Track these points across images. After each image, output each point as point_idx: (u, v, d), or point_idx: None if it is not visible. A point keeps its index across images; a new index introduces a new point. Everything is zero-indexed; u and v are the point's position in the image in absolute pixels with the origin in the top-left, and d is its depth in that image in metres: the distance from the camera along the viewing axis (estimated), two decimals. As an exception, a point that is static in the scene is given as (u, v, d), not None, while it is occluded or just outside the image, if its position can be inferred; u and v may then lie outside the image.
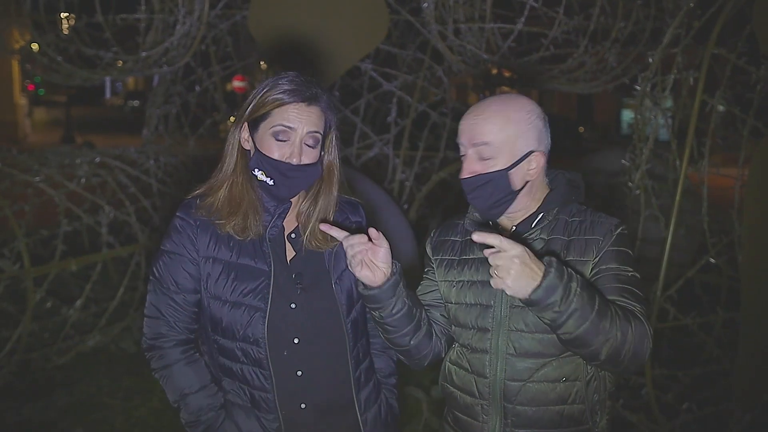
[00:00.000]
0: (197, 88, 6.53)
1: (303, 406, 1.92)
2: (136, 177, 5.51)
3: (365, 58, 5.78)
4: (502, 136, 1.78)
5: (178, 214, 1.93)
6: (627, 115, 25.87)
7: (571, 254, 1.78)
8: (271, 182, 1.85)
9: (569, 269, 1.61)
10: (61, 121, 22.96)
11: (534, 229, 1.83)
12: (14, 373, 4.45)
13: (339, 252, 1.94)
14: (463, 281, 1.90)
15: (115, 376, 4.68)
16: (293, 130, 1.82)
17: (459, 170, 1.86)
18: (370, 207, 4.03)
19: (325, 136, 1.90)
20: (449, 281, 1.93)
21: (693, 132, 3.66)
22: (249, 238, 1.88)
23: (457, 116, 6.41)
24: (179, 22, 4.92)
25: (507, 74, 5.44)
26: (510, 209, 1.85)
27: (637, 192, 3.99)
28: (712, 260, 3.90)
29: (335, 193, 1.97)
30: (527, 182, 1.83)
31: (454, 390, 1.96)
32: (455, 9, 4.81)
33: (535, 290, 1.56)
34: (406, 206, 5.87)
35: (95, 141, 16.20)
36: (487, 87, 6.19)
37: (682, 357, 4.33)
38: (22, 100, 21.06)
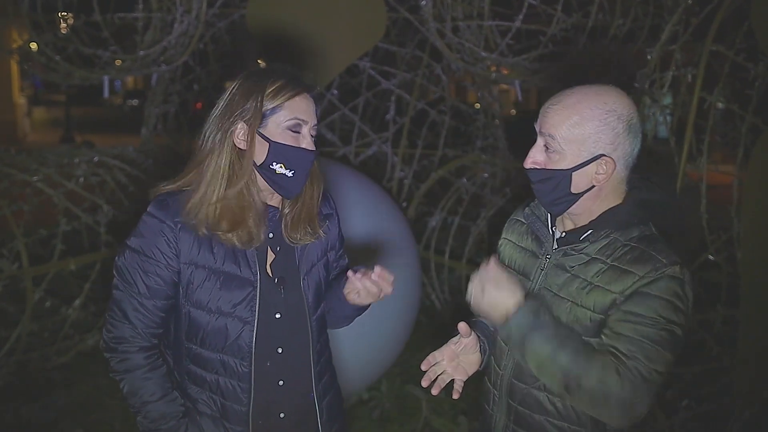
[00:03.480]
0: (195, 87, 6.52)
1: (282, 415, 1.91)
2: (135, 176, 5.50)
3: (364, 56, 5.77)
4: (570, 134, 1.66)
5: (153, 212, 1.82)
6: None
7: (602, 281, 1.67)
8: (291, 174, 1.81)
9: (542, 309, 1.66)
10: (60, 121, 22.92)
11: (581, 243, 1.73)
12: (13, 373, 4.45)
13: (308, 250, 1.94)
14: (511, 267, 1.89)
15: (115, 376, 4.67)
16: (306, 123, 1.82)
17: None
18: (367, 205, 4.03)
19: None
20: (503, 262, 1.91)
21: (691, 129, 3.66)
22: (253, 248, 1.83)
23: (456, 114, 6.42)
24: (177, 21, 4.90)
25: (505, 72, 5.43)
26: (572, 209, 1.74)
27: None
28: (711, 257, 3.89)
29: (320, 183, 1.97)
30: (593, 186, 1.70)
31: (485, 373, 1.97)
32: (453, 7, 4.80)
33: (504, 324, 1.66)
34: (404, 204, 5.87)
35: (95, 140, 16.17)
36: (485, 86, 6.18)
37: (681, 354, 4.31)
38: (21, 100, 21.04)
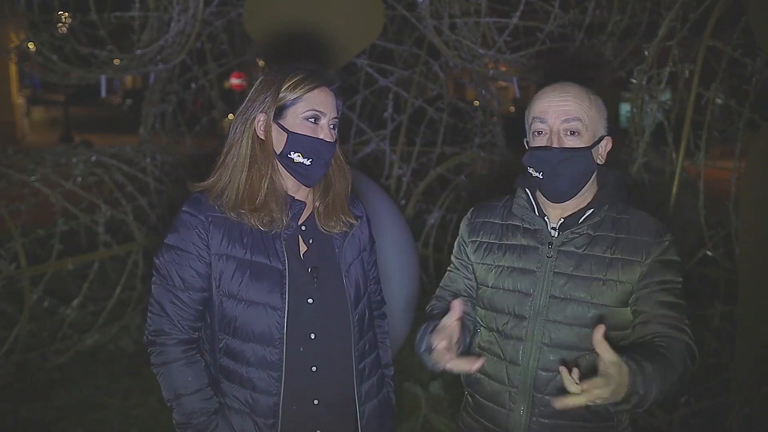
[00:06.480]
0: (193, 86, 6.51)
1: (316, 402, 1.93)
2: (133, 175, 5.49)
3: (361, 54, 5.76)
4: (590, 115, 1.82)
5: (186, 209, 1.91)
6: (625, 108, 25.83)
7: (618, 252, 1.82)
8: (309, 162, 1.88)
9: (639, 363, 1.56)
10: (59, 121, 22.92)
11: (581, 225, 1.86)
12: (12, 373, 4.45)
13: (347, 245, 1.99)
14: (503, 266, 1.92)
15: (114, 376, 4.68)
16: (324, 115, 1.89)
17: (532, 150, 1.87)
18: (365, 203, 4.02)
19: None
20: (488, 264, 1.95)
21: (689, 125, 3.66)
22: (273, 232, 1.88)
23: (454, 111, 6.42)
24: (174, 20, 4.90)
25: (503, 69, 5.42)
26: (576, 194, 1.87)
27: (634, 186, 3.99)
28: (710, 253, 3.89)
29: (347, 172, 2.03)
30: (595, 168, 1.87)
31: (482, 376, 1.96)
32: (451, 4, 4.79)
33: (620, 403, 1.57)
34: (403, 202, 5.87)
35: (94, 140, 16.17)
36: (483, 83, 6.17)
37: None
38: (19, 100, 21.02)
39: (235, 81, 18.94)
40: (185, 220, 1.89)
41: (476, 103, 6.78)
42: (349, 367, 1.97)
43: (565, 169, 1.82)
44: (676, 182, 3.72)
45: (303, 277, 1.91)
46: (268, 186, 1.88)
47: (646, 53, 3.97)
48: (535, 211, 1.93)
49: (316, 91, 1.88)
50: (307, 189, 1.99)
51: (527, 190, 1.96)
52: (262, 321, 1.86)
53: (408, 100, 6.04)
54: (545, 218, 1.91)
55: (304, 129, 1.88)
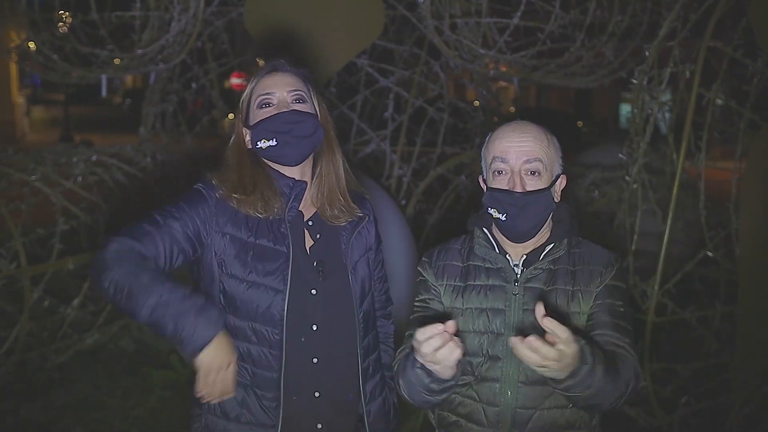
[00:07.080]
0: (194, 85, 6.51)
1: (317, 395, 1.93)
2: (134, 175, 5.49)
3: (362, 54, 5.76)
4: (548, 155, 1.84)
5: (200, 185, 1.95)
6: (626, 108, 25.83)
7: (578, 283, 1.85)
8: (274, 142, 1.90)
9: (593, 351, 1.59)
10: (59, 120, 22.90)
11: (543, 260, 1.86)
12: (12, 372, 4.44)
13: (353, 242, 2.01)
14: (471, 308, 1.89)
15: (114, 375, 4.67)
16: (272, 94, 1.93)
17: (492, 191, 1.86)
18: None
19: (310, 97, 1.99)
20: (456, 308, 1.91)
21: (690, 125, 3.66)
22: (273, 216, 1.90)
23: (455, 111, 6.42)
24: (174, 20, 4.90)
25: (504, 69, 5.42)
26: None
27: (635, 186, 3.99)
28: (710, 254, 3.89)
29: (338, 155, 2.04)
30: (554, 207, 1.88)
31: (459, 419, 1.92)
32: (452, 4, 4.80)
33: (566, 379, 1.57)
34: (403, 202, 5.86)
35: (94, 139, 16.14)
36: (483, 83, 6.18)
37: (680, 351, 4.33)
38: (19, 99, 21.01)
39: (235, 81, 18.91)
40: (199, 191, 1.94)
41: (476, 103, 6.78)
42: (353, 364, 1.98)
43: (528, 211, 1.82)
44: (676, 183, 3.72)
45: (307, 267, 1.92)
46: (254, 176, 1.93)
47: (646, 54, 3.97)
48: (495, 250, 1.90)
49: (262, 80, 1.96)
50: (306, 169, 2.00)
51: (484, 229, 1.94)
52: (264, 301, 1.87)
53: (408, 100, 6.04)
54: (506, 256, 1.90)
55: (258, 116, 1.94)
